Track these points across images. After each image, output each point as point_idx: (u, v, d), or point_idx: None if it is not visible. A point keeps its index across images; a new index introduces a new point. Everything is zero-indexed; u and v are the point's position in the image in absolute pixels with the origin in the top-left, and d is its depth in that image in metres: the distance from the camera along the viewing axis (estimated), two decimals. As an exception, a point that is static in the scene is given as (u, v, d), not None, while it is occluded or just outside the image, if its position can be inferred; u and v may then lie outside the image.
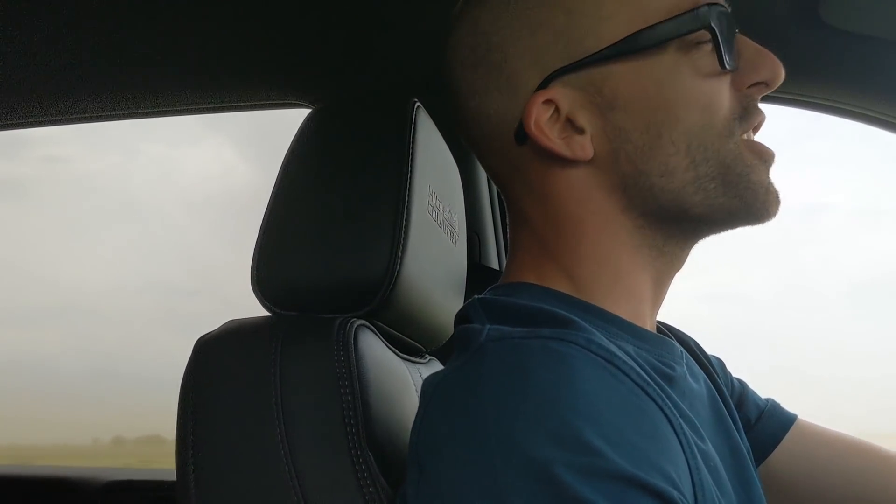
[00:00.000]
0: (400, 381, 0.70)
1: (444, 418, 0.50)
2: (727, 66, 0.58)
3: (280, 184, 0.70)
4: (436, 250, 0.74)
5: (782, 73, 0.60)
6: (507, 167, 0.64)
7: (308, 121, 0.73)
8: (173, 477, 0.62)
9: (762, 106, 0.63)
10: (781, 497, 0.77)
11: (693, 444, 0.51)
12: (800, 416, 0.80)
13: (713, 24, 0.58)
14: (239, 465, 0.60)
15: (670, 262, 0.63)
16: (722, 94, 0.59)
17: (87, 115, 1.39)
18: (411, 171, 0.68)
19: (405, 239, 0.65)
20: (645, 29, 0.57)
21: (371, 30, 1.09)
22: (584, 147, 0.59)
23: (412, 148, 0.68)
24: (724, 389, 0.76)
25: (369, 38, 1.08)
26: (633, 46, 0.58)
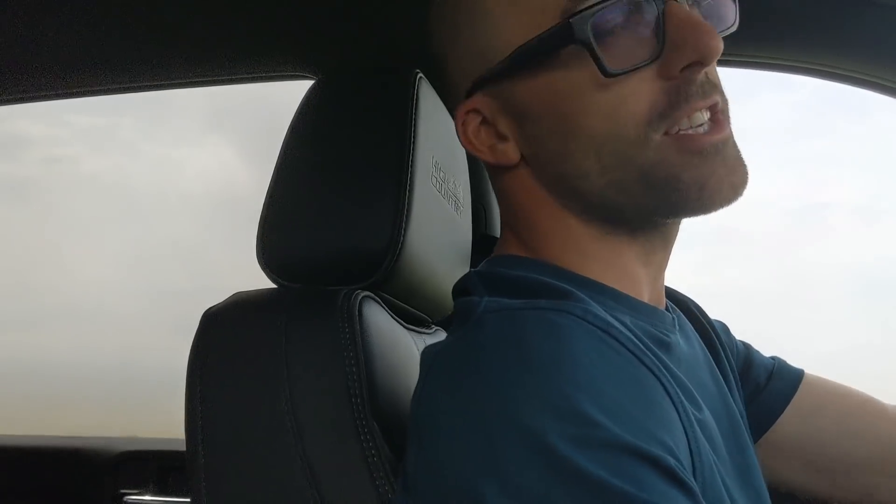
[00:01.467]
0: (405, 351, 0.70)
1: (443, 390, 0.51)
2: (609, 74, 0.53)
3: (283, 156, 0.70)
4: (440, 221, 0.74)
5: (715, 45, 0.53)
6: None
7: (310, 92, 0.73)
8: (181, 447, 0.63)
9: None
10: (790, 456, 0.78)
11: (690, 413, 0.51)
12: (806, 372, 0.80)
13: (581, 37, 0.53)
14: (245, 435, 0.60)
15: (644, 244, 0.61)
16: (629, 98, 0.54)
17: (91, 88, 1.38)
18: (414, 143, 0.67)
19: (408, 210, 0.65)
20: (526, 44, 0.55)
21: (375, 0, 1.08)
22: (506, 153, 0.60)
23: (414, 119, 0.68)
24: (728, 353, 0.76)
25: (372, 8, 1.07)
26: (525, 59, 0.56)
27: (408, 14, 1.12)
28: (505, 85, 0.58)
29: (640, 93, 0.54)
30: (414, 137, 0.68)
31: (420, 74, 0.71)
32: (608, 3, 0.53)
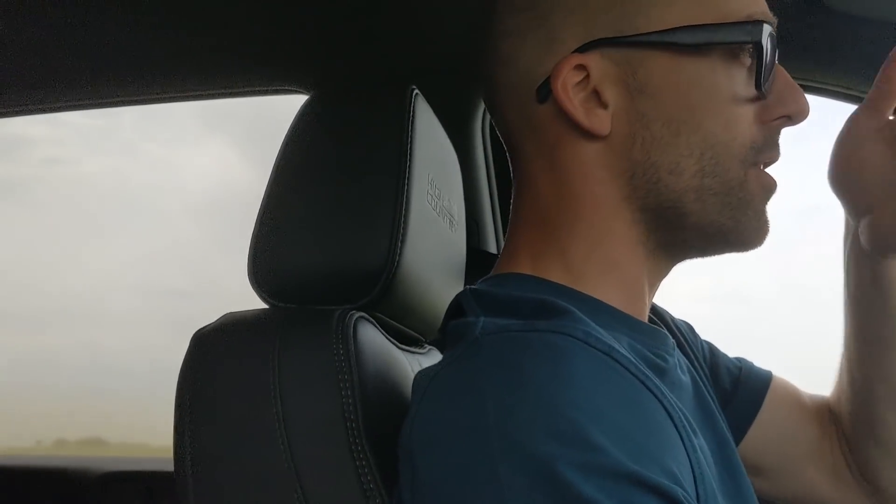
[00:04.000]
0: (400, 373, 0.69)
1: (440, 414, 0.49)
2: (762, 90, 0.58)
3: (276, 172, 0.69)
4: (435, 239, 0.73)
5: (808, 111, 0.60)
6: (523, 123, 0.63)
7: (305, 108, 0.72)
8: (169, 467, 0.61)
9: None
10: (758, 462, 0.77)
11: (692, 437, 0.50)
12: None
13: (762, 42, 0.57)
14: (237, 459, 0.59)
15: (657, 267, 0.63)
16: (747, 118, 0.59)
17: (85, 102, 1.38)
18: (410, 160, 0.66)
19: (404, 228, 0.64)
20: (696, 26, 0.57)
21: (369, 16, 1.07)
22: (602, 122, 0.58)
23: (411, 136, 0.67)
24: (702, 362, 0.76)
25: (368, 24, 1.07)
26: (680, 40, 0.57)
27: (403, 30, 1.12)
28: (641, 54, 0.58)
29: (750, 121, 0.59)
30: (410, 155, 0.66)
31: (416, 90, 0.70)
32: (769, 27, 0.58)
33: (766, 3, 0.61)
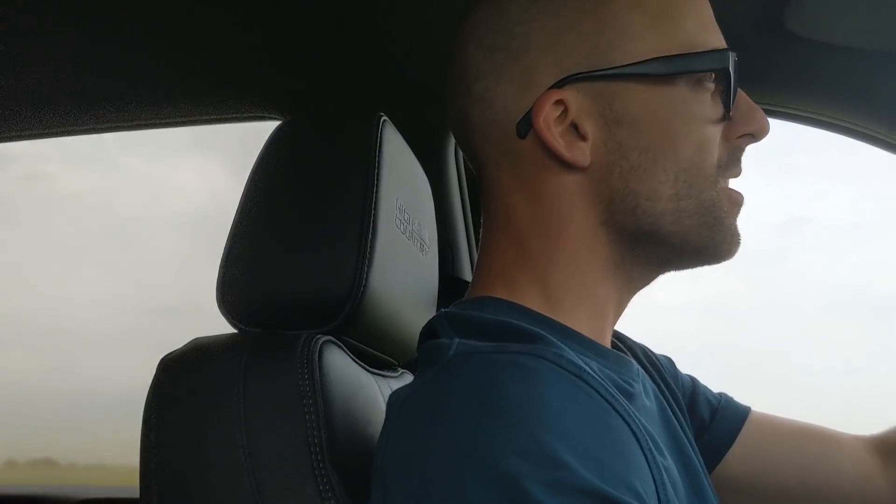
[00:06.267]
0: (368, 397, 0.69)
1: (412, 434, 0.50)
2: (729, 114, 0.61)
3: (246, 197, 0.70)
4: (404, 263, 0.73)
5: (768, 128, 0.63)
6: (500, 157, 0.63)
7: (275, 134, 0.73)
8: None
9: None
10: (740, 493, 0.78)
11: (658, 459, 0.51)
12: (752, 409, 0.81)
13: (730, 69, 0.60)
14: (202, 486, 0.59)
15: (632, 286, 0.65)
16: (715, 140, 0.61)
17: (59, 129, 1.38)
18: (377, 186, 0.67)
19: (371, 253, 0.65)
20: (669, 56, 0.59)
21: (341, 44, 1.09)
22: (583, 154, 0.60)
23: (378, 162, 0.68)
24: (677, 393, 0.76)
25: (339, 52, 1.08)
26: (654, 70, 0.59)
27: (373, 58, 1.13)
28: (615, 87, 0.60)
29: (717, 139, 0.62)
30: (377, 180, 0.67)
31: (384, 118, 0.71)
32: (733, 54, 0.61)
33: (721, 35, 0.64)
